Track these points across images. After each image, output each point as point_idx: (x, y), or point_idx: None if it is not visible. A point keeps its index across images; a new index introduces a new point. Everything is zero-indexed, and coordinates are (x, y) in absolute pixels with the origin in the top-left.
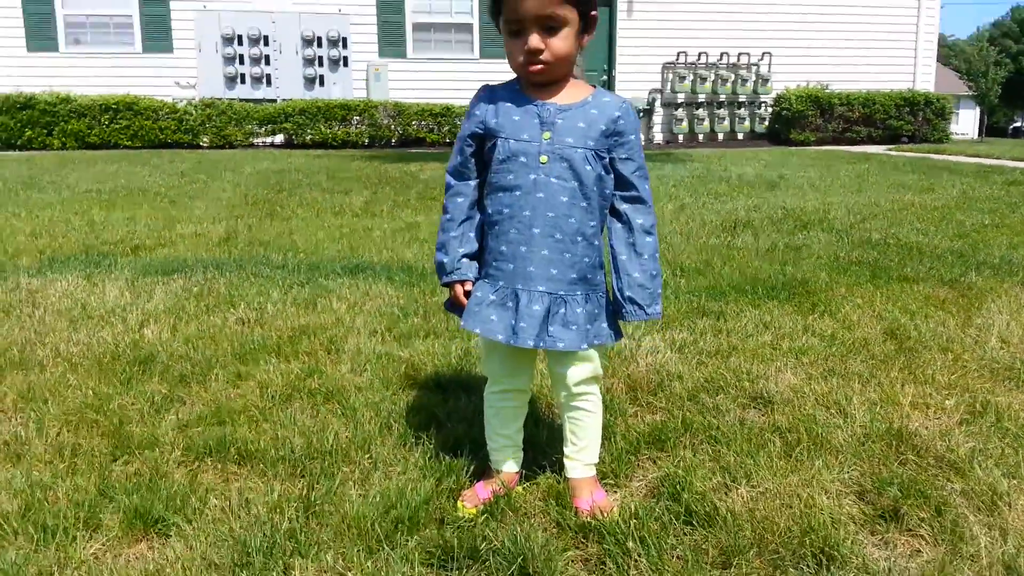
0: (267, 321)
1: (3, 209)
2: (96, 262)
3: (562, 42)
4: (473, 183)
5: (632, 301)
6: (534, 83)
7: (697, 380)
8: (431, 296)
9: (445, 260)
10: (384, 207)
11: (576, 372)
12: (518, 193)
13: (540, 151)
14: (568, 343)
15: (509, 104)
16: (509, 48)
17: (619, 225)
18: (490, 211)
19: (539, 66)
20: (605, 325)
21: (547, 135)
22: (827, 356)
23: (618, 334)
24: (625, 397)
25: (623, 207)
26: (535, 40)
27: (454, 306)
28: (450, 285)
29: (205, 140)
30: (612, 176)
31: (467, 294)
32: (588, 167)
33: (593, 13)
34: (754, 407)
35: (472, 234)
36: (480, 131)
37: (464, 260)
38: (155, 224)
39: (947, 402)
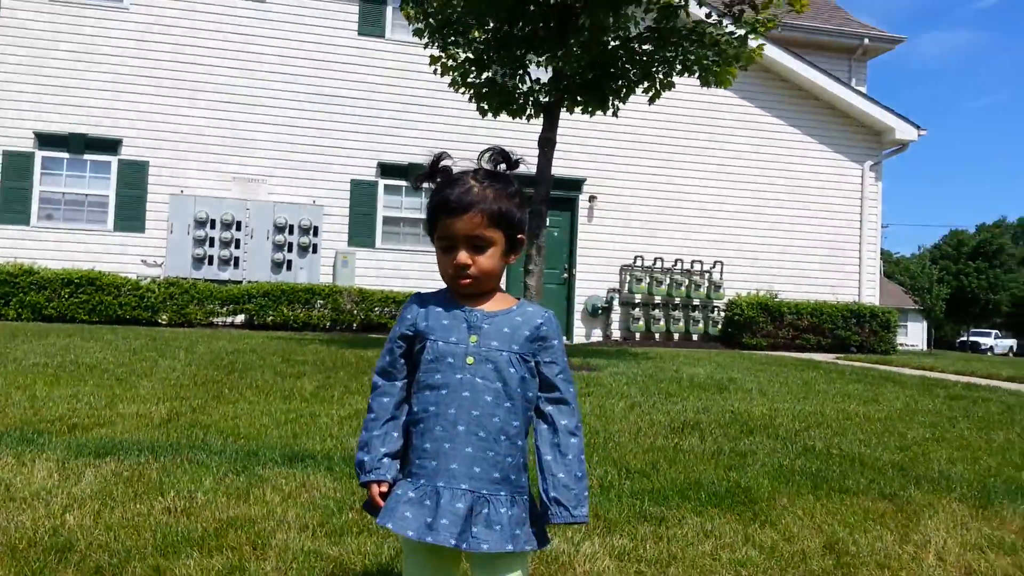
0: (195, 511)
1: None
2: (30, 439)
3: (488, 260)
4: (400, 384)
5: (557, 502)
6: (463, 294)
7: None
8: None
9: (366, 459)
10: (336, 392)
11: None
12: (444, 392)
13: (467, 352)
14: (492, 544)
15: (439, 309)
16: (440, 261)
17: (544, 426)
18: (416, 409)
19: (467, 279)
20: (531, 529)
21: (474, 338)
22: (766, 569)
23: (544, 539)
24: None
25: (548, 408)
26: (463, 256)
27: (372, 506)
28: (367, 485)
29: (164, 317)
30: (536, 380)
31: (384, 495)
32: (512, 369)
33: (520, 236)
34: None
35: (396, 433)
36: (410, 333)
37: (385, 460)
38: (97, 402)
39: None
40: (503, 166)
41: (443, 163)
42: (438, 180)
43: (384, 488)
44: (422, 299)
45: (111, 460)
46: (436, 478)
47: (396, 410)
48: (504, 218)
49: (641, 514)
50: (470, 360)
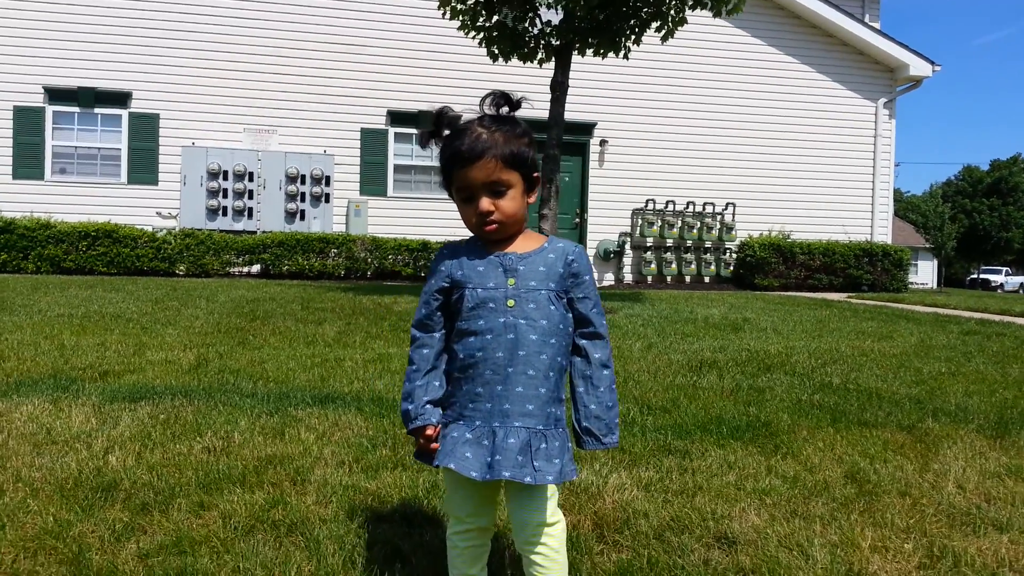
0: (233, 450)
1: None
2: (64, 387)
3: (510, 203)
4: (438, 334)
5: (588, 432)
6: (490, 240)
7: (663, 519)
8: (401, 428)
9: (410, 408)
10: (357, 338)
11: (539, 514)
12: (489, 337)
13: (507, 296)
14: (553, 476)
15: (473, 257)
16: (463, 213)
17: (578, 359)
18: (462, 355)
19: (492, 226)
20: (570, 459)
21: (511, 281)
22: (790, 498)
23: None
24: (591, 534)
25: (582, 342)
26: (485, 203)
27: (423, 454)
28: (416, 432)
29: (182, 268)
30: (570, 315)
31: (431, 438)
32: (552, 307)
33: (536, 175)
34: (718, 547)
35: (437, 382)
36: (447, 284)
37: (428, 407)
38: (125, 350)
39: (906, 546)
40: (505, 108)
41: (448, 116)
42: (445, 134)
43: (431, 432)
44: (453, 249)
45: (146, 404)
46: (491, 419)
47: (436, 360)
48: (518, 159)
49: (665, 447)
50: (511, 303)
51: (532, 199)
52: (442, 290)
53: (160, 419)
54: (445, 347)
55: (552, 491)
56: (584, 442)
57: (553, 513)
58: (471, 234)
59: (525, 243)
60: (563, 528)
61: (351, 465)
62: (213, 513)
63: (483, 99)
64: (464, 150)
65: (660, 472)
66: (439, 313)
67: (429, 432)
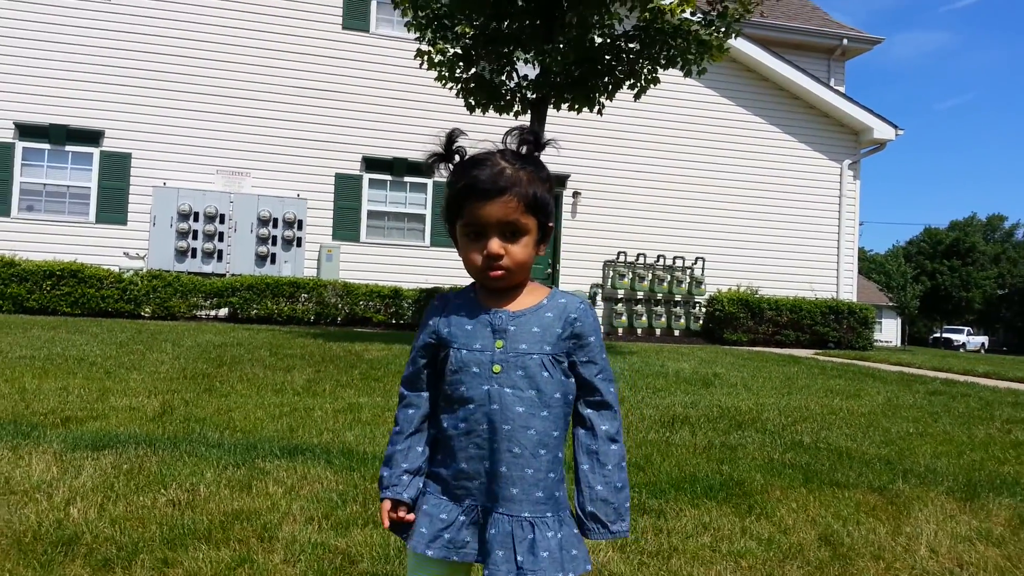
0: (199, 504)
1: None
2: (24, 433)
3: (522, 250)
4: (425, 395)
5: (594, 518)
6: (492, 288)
7: None
8: (371, 482)
9: (385, 474)
10: (327, 386)
11: None
12: (472, 406)
13: (493, 360)
14: (542, 573)
15: (462, 313)
16: (467, 252)
17: (582, 432)
18: (445, 425)
19: (499, 271)
20: (578, 552)
21: (500, 343)
22: (765, 560)
23: (587, 559)
24: None
25: (586, 412)
26: (495, 245)
27: (396, 526)
28: (383, 501)
29: (148, 310)
30: (573, 381)
31: (399, 516)
32: (545, 373)
33: (550, 224)
34: None
35: (419, 448)
36: (433, 341)
37: (404, 477)
38: (88, 395)
39: None
40: (525, 148)
41: (458, 143)
42: (456, 161)
43: (402, 511)
44: (444, 302)
45: (109, 453)
46: (479, 499)
47: (422, 423)
48: (539, 204)
49: (640, 506)
50: (496, 368)
51: (542, 251)
52: (428, 347)
53: (123, 469)
54: (432, 411)
55: None
56: (588, 530)
57: None
58: (466, 282)
59: (525, 299)
60: None
61: (320, 521)
62: (178, 571)
63: (508, 132)
64: (484, 181)
65: (635, 533)
66: (427, 372)
67: (401, 512)
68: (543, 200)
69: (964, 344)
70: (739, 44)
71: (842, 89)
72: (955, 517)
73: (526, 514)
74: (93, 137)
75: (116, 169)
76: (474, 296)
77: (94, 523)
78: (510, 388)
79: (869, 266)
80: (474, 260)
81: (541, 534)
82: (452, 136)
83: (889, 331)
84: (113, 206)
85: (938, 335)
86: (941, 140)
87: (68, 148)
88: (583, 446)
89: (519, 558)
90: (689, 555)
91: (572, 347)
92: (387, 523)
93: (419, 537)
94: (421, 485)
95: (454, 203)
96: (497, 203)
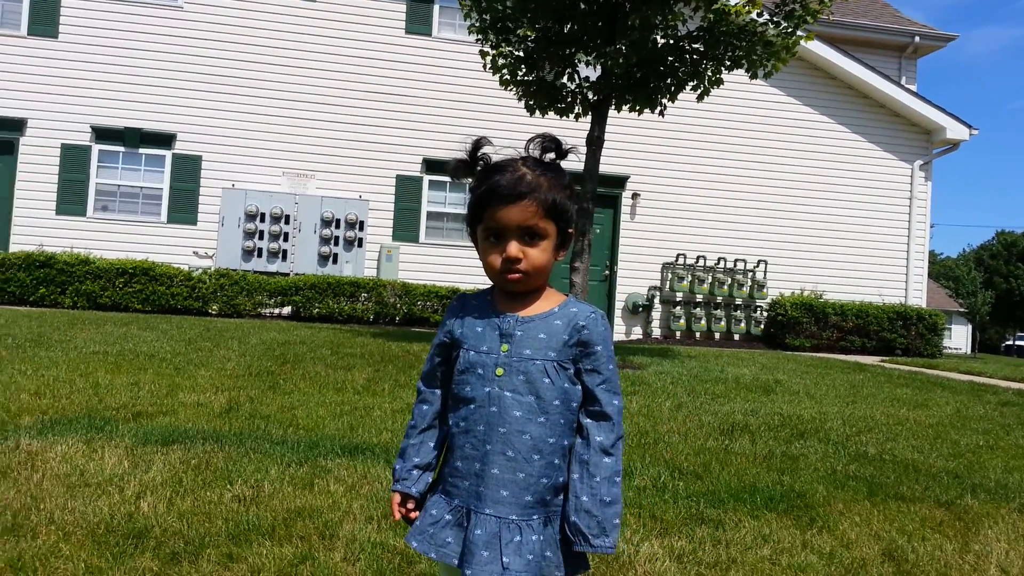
0: (263, 500)
1: (10, 365)
2: (98, 427)
3: (540, 254)
4: (440, 392)
5: (576, 528)
6: (509, 291)
7: None
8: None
9: (397, 467)
10: (386, 385)
11: None
12: (473, 406)
13: (497, 363)
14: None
15: (476, 315)
16: (487, 255)
17: (579, 441)
18: (451, 422)
19: (517, 275)
20: (552, 555)
21: (505, 347)
22: (826, 575)
23: (583, 563)
24: None
25: (585, 421)
26: (514, 248)
27: (408, 520)
28: (395, 495)
29: (215, 308)
30: (579, 388)
31: (413, 508)
32: (547, 380)
33: (570, 231)
34: None
35: (431, 444)
36: (447, 340)
37: (415, 471)
38: (158, 391)
39: None
40: (551, 155)
41: (483, 151)
42: (480, 168)
43: (411, 505)
44: (463, 302)
45: (178, 448)
46: (468, 499)
47: (435, 419)
48: (558, 209)
49: (698, 516)
50: (499, 372)
51: (561, 256)
52: (443, 345)
53: (191, 464)
54: (444, 408)
55: None
56: (571, 541)
57: None
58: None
59: (537, 304)
60: None
61: (379, 521)
62: (242, 566)
63: (530, 140)
64: (504, 186)
65: (693, 543)
66: (441, 370)
67: (409, 505)
68: (562, 206)
69: None
70: (807, 43)
71: (914, 87)
72: None
73: (513, 516)
74: (166, 140)
75: (187, 171)
76: (490, 299)
77: (163, 517)
78: (510, 392)
79: (939, 270)
80: (493, 263)
81: (526, 537)
82: (478, 144)
83: (959, 338)
84: (184, 207)
85: (1010, 342)
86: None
87: (142, 151)
88: (576, 455)
89: (505, 559)
90: (748, 567)
91: (578, 354)
92: (397, 515)
93: (412, 527)
94: (430, 480)
95: (476, 207)
96: (516, 207)
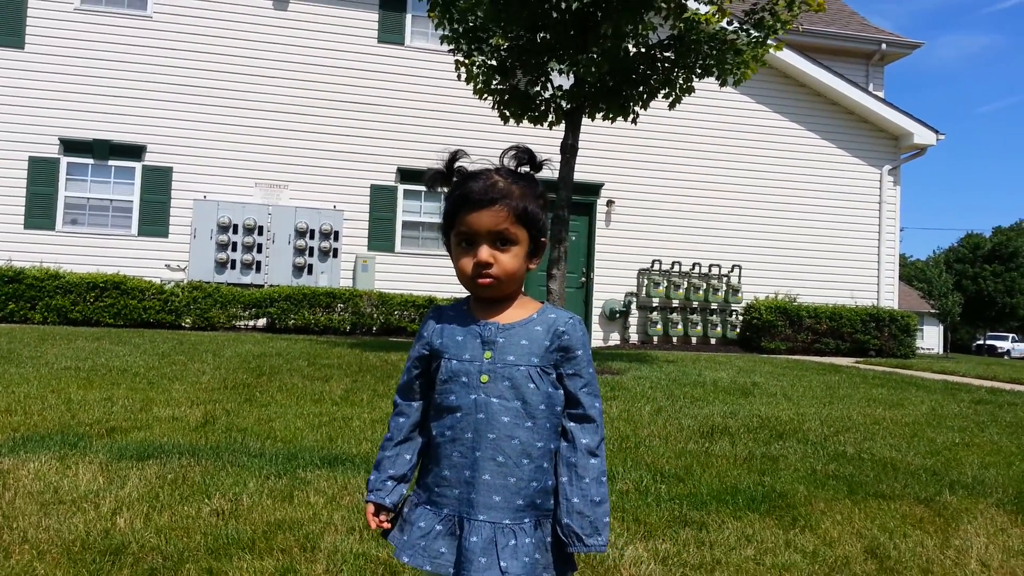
0: (242, 514)
1: None
2: (71, 443)
3: (512, 259)
4: (417, 404)
5: (569, 530)
6: (482, 297)
7: None
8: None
9: (371, 478)
10: (364, 396)
11: None
12: (459, 415)
13: (481, 370)
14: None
15: (454, 324)
16: (459, 262)
17: (564, 444)
18: (434, 433)
19: (488, 280)
20: (551, 556)
21: (488, 354)
22: (810, 573)
23: (571, 564)
24: None
25: (569, 425)
26: (485, 253)
27: (385, 531)
28: (368, 503)
29: (188, 321)
30: (561, 392)
31: (386, 520)
32: (532, 385)
33: (543, 240)
34: None
35: (408, 456)
36: (426, 352)
37: (389, 483)
38: (132, 406)
39: None
40: (526, 168)
41: (459, 162)
42: (455, 179)
43: (383, 516)
44: (439, 313)
45: (153, 463)
46: (460, 508)
47: (412, 431)
48: (529, 217)
49: (681, 519)
50: (484, 378)
51: (534, 265)
52: (422, 358)
53: (168, 479)
54: (423, 420)
55: None
56: (564, 543)
57: None
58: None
59: (515, 311)
60: None
61: (361, 532)
62: None
63: (505, 152)
64: (476, 192)
65: (677, 545)
66: (419, 382)
67: (383, 516)
68: (534, 214)
69: (1009, 351)
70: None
71: (881, 94)
72: (1006, 530)
73: (507, 521)
74: (135, 152)
75: (158, 183)
76: (467, 309)
77: (140, 532)
78: (496, 398)
79: (910, 272)
80: (465, 267)
81: (520, 540)
82: (454, 156)
83: (931, 338)
84: (155, 219)
85: (981, 342)
86: (984, 145)
87: (111, 163)
88: (563, 458)
89: (503, 563)
90: (732, 568)
91: (559, 359)
92: (373, 525)
93: (398, 544)
94: (405, 492)
95: (449, 213)
96: (488, 212)
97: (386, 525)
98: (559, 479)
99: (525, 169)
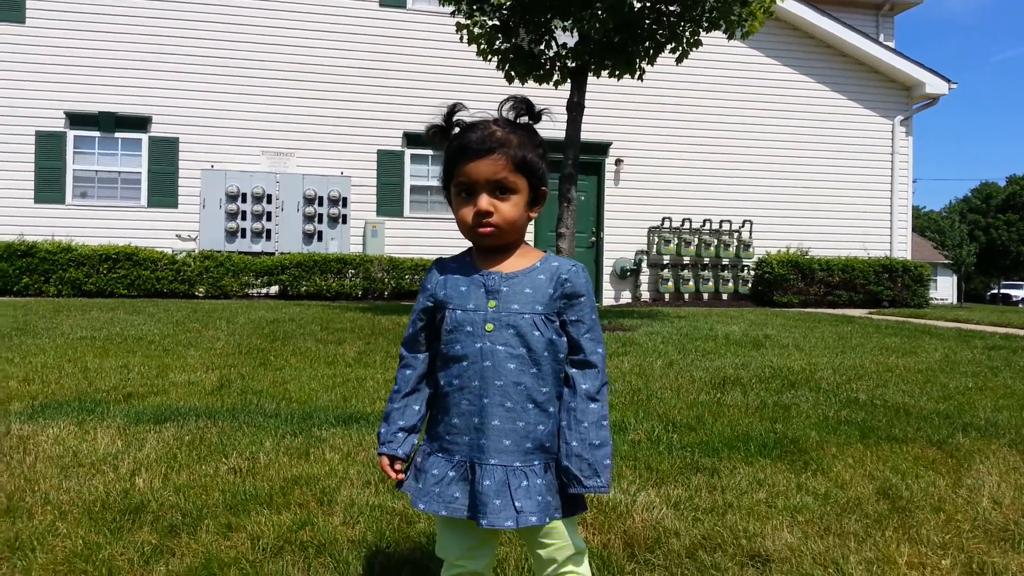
0: (259, 471)
1: None
2: (89, 409)
3: (511, 208)
4: (423, 356)
5: (568, 473)
6: (483, 247)
7: (695, 537)
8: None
9: (382, 431)
10: (377, 357)
11: (557, 550)
12: (465, 363)
13: (486, 319)
14: (538, 516)
15: (457, 275)
16: (459, 212)
17: (566, 390)
18: (441, 383)
19: (488, 228)
20: (552, 499)
21: (492, 303)
22: (822, 515)
23: (580, 505)
24: (622, 554)
25: (571, 370)
26: (484, 201)
27: (399, 481)
28: (380, 456)
29: (201, 290)
30: (565, 339)
31: (395, 470)
32: (536, 332)
33: (543, 188)
34: (752, 565)
35: (416, 407)
36: (431, 304)
37: (400, 434)
38: (148, 372)
39: (943, 562)
40: (525, 118)
41: (458, 115)
42: (454, 132)
43: (398, 466)
44: (442, 265)
45: (170, 425)
46: (471, 453)
47: (419, 383)
48: (528, 165)
49: (693, 465)
50: (489, 327)
51: (535, 214)
52: (426, 309)
53: (185, 440)
54: (430, 371)
55: (569, 525)
56: (565, 484)
57: (575, 551)
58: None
59: (517, 260)
60: (585, 557)
61: (377, 485)
62: (241, 535)
63: (503, 102)
64: (474, 142)
65: (689, 490)
66: (424, 334)
67: (397, 467)
68: (532, 162)
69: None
70: (783, 2)
71: (892, 44)
72: (1018, 469)
73: (517, 463)
74: (141, 123)
75: (165, 154)
76: (470, 260)
77: (159, 492)
78: (502, 346)
79: (923, 224)
80: (465, 217)
81: (532, 481)
82: (453, 109)
83: (945, 289)
84: (163, 190)
85: (996, 291)
86: (998, 94)
87: (118, 135)
88: (564, 404)
89: (517, 503)
90: (744, 511)
91: (563, 306)
92: (392, 475)
93: (413, 492)
94: (416, 442)
95: (448, 165)
96: (486, 161)
97: (400, 476)
98: (560, 423)
99: (524, 120)
